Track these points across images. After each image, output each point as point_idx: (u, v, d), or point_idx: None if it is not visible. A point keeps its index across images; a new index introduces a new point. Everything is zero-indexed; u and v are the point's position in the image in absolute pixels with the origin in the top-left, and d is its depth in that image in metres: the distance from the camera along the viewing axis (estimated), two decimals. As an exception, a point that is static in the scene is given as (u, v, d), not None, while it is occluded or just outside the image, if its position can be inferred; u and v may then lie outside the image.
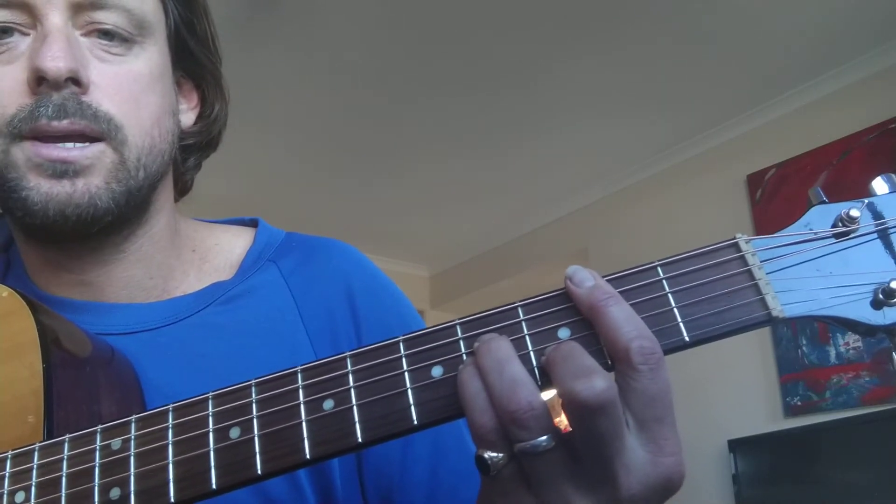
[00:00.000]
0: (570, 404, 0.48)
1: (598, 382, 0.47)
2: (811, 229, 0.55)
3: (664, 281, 0.53)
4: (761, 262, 0.53)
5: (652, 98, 3.54)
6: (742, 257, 0.53)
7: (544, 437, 0.48)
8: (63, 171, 0.71)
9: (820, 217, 0.55)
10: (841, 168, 3.33)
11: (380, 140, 3.80)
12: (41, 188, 0.71)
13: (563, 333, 0.52)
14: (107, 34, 0.75)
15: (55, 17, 0.73)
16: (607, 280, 0.54)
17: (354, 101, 3.46)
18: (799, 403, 3.25)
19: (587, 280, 0.54)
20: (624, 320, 0.51)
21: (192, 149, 0.89)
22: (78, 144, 0.72)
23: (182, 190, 0.91)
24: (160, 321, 0.79)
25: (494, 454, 0.49)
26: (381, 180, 4.18)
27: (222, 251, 0.88)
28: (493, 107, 3.55)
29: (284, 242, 0.88)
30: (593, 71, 3.32)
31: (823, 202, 0.56)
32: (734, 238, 0.54)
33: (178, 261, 0.85)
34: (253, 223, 0.92)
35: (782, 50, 3.24)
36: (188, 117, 0.87)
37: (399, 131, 3.73)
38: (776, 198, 3.51)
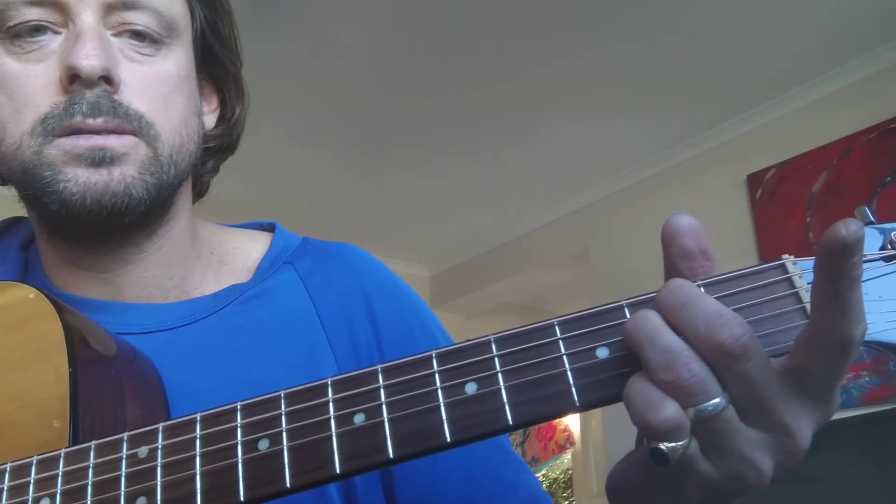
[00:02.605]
0: (712, 352, 0.48)
1: (735, 328, 0.47)
2: None
3: None
4: (808, 284, 0.50)
5: (652, 98, 3.53)
6: (789, 279, 0.51)
7: (718, 398, 0.48)
8: (101, 157, 0.72)
9: (868, 239, 0.52)
10: (841, 168, 3.33)
11: (379, 140, 3.79)
12: (79, 178, 0.72)
13: (602, 353, 0.51)
14: (137, 35, 0.77)
15: (88, 16, 0.74)
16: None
17: (355, 101, 3.46)
18: (799, 403, 3.25)
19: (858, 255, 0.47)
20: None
21: (212, 151, 0.90)
22: (113, 135, 0.73)
23: (198, 193, 0.92)
24: (178, 321, 0.80)
25: (672, 444, 0.48)
26: (381, 180, 4.17)
27: (240, 254, 0.89)
28: (493, 107, 3.54)
29: (301, 246, 0.90)
30: (593, 71, 3.32)
31: (871, 223, 0.53)
32: (781, 259, 0.52)
33: (196, 262, 0.86)
34: (270, 227, 0.93)
35: (782, 50, 3.24)
36: (209, 120, 0.88)
37: (399, 131, 3.72)
38: (776, 198, 3.51)
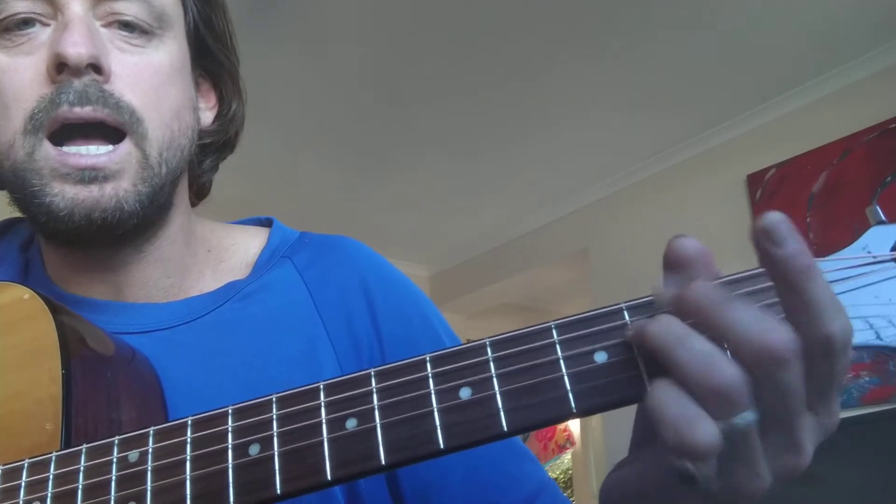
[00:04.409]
0: (754, 357, 0.44)
1: (785, 332, 0.44)
2: (869, 252, 0.50)
3: None
4: None
5: (652, 98, 3.53)
6: None
7: (750, 411, 0.45)
8: (92, 177, 0.71)
9: (879, 239, 0.50)
10: (841, 168, 3.33)
11: (380, 139, 3.79)
12: (66, 194, 0.70)
13: (600, 357, 0.49)
14: (127, 26, 0.75)
15: (76, 6, 0.73)
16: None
17: (354, 101, 3.46)
18: (799, 403, 3.25)
19: (792, 242, 0.45)
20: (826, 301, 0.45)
21: (210, 149, 0.88)
22: (103, 148, 0.72)
23: (200, 193, 0.91)
24: (176, 320, 0.79)
25: (703, 464, 0.45)
26: (381, 180, 4.17)
27: (238, 251, 0.88)
28: (493, 107, 3.54)
29: (298, 240, 0.89)
30: (593, 71, 3.31)
31: (882, 223, 0.51)
32: None
33: (193, 260, 0.85)
34: (268, 223, 0.92)
35: (782, 50, 3.23)
36: (206, 117, 0.87)
37: (399, 131, 3.72)
38: (776, 198, 3.51)
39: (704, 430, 0.44)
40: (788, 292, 0.45)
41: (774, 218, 0.44)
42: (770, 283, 0.48)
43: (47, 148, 0.71)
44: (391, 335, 0.82)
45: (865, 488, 2.82)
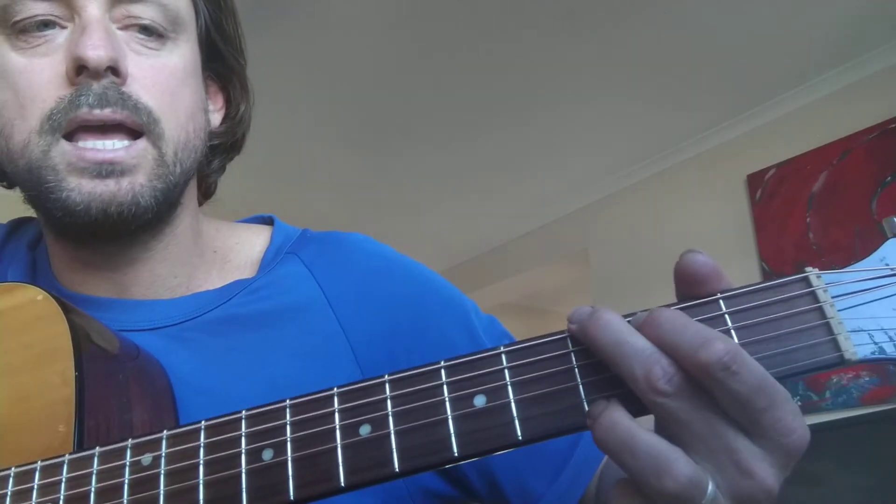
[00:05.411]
0: (699, 366, 0.45)
1: (663, 365, 0.46)
2: (887, 264, 0.49)
3: (727, 316, 0.49)
4: (833, 298, 0.48)
5: (652, 98, 3.53)
6: (813, 293, 0.49)
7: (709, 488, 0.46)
8: (109, 171, 0.71)
9: None
10: (841, 168, 3.33)
11: (379, 140, 3.79)
12: (83, 188, 0.71)
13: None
14: (143, 29, 0.76)
15: (93, 8, 0.74)
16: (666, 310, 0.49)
17: (355, 102, 3.45)
18: (799, 403, 3.23)
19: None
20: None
21: (217, 150, 0.89)
22: (119, 143, 0.72)
23: (206, 193, 0.92)
24: (184, 315, 0.80)
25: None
26: (380, 182, 4.17)
27: (243, 249, 0.88)
28: (492, 108, 3.54)
29: (301, 237, 0.89)
30: (593, 71, 3.31)
31: None
32: (804, 272, 0.49)
33: (200, 260, 0.85)
34: (269, 220, 0.93)
35: (782, 50, 3.23)
36: (214, 118, 0.88)
37: (398, 131, 3.72)
38: (776, 198, 3.51)
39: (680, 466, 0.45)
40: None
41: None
42: (776, 299, 0.49)
43: (63, 145, 0.71)
44: (411, 323, 0.81)
45: (865, 488, 2.82)
